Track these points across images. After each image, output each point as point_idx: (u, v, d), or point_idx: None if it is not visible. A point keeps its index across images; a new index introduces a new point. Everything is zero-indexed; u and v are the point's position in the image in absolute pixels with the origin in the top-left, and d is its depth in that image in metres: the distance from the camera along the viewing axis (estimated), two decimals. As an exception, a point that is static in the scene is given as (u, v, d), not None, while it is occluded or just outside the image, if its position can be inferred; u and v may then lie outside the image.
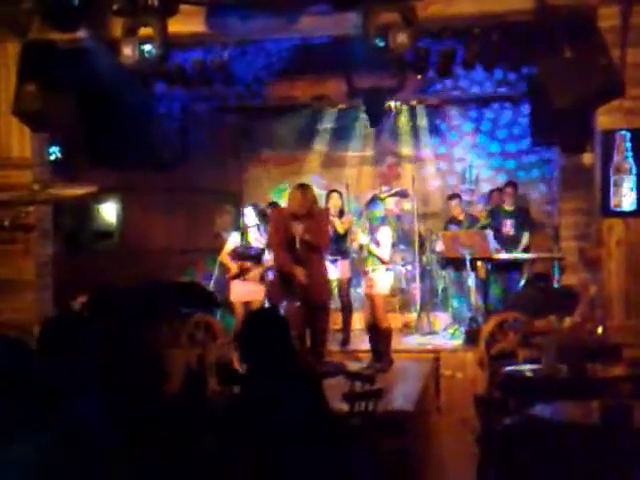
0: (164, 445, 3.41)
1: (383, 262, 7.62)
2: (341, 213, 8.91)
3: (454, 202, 9.87)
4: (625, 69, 6.62)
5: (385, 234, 7.70)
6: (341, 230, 8.80)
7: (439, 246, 9.74)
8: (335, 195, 8.97)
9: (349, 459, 3.72)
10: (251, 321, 3.79)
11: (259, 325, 3.67)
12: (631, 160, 6.74)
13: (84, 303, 6.74)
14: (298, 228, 6.90)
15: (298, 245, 6.96)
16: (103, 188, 8.31)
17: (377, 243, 7.62)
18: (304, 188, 7.23)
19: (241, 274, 8.31)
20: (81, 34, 6.91)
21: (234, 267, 8.36)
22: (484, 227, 9.40)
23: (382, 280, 7.61)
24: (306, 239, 6.91)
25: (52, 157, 8.46)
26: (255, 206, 8.83)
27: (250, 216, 8.55)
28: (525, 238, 9.48)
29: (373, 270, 7.57)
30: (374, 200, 8.14)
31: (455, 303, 9.78)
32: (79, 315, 5.44)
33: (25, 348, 2.82)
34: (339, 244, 8.86)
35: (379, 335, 7.64)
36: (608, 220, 6.85)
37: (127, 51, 6.53)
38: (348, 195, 9.41)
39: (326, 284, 7.46)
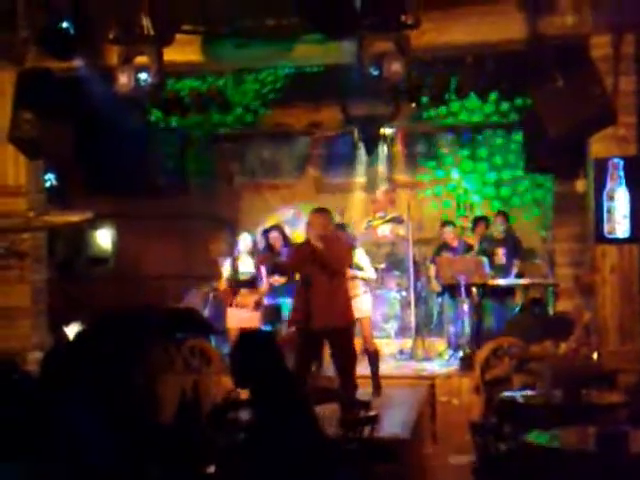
0: (160, 472, 3.40)
1: (368, 281, 7.75)
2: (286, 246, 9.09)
3: (448, 229, 9.90)
4: (617, 97, 6.69)
5: (362, 255, 7.90)
6: None
7: (432, 272, 9.78)
8: (274, 232, 9.22)
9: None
10: (238, 345, 3.79)
11: (246, 349, 3.67)
12: (624, 187, 6.78)
13: (81, 331, 6.72)
14: (320, 248, 6.77)
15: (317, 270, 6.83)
16: (98, 215, 8.34)
17: (357, 267, 7.69)
18: (321, 212, 7.06)
19: (238, 302, 8.32)
20: (77, 62, 6.96)
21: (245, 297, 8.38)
22: (480, 253, 9.44)
23: (365, 302, 7.76)
24: (325, 259, 6.76)
25: (47, 184, 8.49)
26: (250, 233, 8.86)
27: (244, 242, 8.56)
28: (516, 266, 9.51)
29: (356, 295, 7.61)
30: (343, 225, 8.30)
31: (450, 329, 9.77)
32: (77, 345, 5.43)
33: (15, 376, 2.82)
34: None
35: (369, 359, 7.66)
36: (602, 247, 6.89)
37: (123, 79, 6.57)
38: (343, 221, 9.42)
39: (347, 308, 7.11)
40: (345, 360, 6.92)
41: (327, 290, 6.78)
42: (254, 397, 3.53)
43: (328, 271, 6.80)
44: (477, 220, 10.36)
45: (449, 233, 9.83)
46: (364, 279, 7.79)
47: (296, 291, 7.16)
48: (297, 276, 7.36)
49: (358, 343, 7.99)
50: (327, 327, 6.72)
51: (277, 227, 9.66)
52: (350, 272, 7.59)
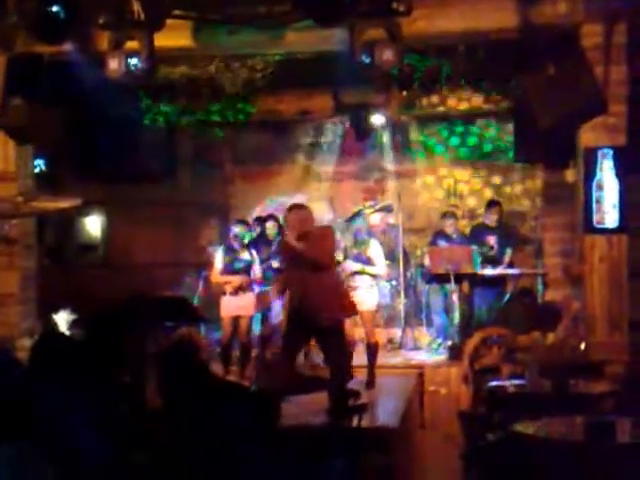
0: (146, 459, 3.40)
1: (377, 277, 7.64)
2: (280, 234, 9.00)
3: (449, 221, 9.77)
4: (608, 87, 6.69)
5: (376, 248, 7.69)
6: None
7: (427, 261, 9.74)
8: (270, 222, 9.12)
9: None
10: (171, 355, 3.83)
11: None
12: (613, 177, 6.79)
13: (74, 321, 6.71)
14: (300, 247, 6.64)
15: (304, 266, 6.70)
16: (88, 201, 8.30)
17: (368, 260, 7.58)
18: (298, 209, 6.86)
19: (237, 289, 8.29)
20: (67, 47, 6.91)
21: (235, 280, 8.30)
22: (472, 242, 9.43)
23: (371, 296, 7.62)
24: (307, 257, 6.63)
25: (37, 170, 8.44)
26: (240, 222, 8.79)
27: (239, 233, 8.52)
28: (508, 255, 9.50)
29: (360, 288, 7.53)
30: (357, 215, 8.09)
31: (439, 319, 9.78)
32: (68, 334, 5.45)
33: (10, 361, 2.81)
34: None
35: (368, 350, 7.61)
36: (591, 237, 6.90)
37: (113, 64, 6.54)
38: (333, 209, 9.41)
39: (339, 301, 6.82)
40: (337, 355, 6.86)
41: (318, 287, 6.66)
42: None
43: (316, 268, 6.67)
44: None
45: (450, 225, 9.74)
46: (371, 274, 7.61)
47: (291, 292, 7.01)
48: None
49: (358, 333, 7.99)
50: (321, 323, 6.61)
51: (273, 217, 9.61)
52: (358, 266, 7.54)
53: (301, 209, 6.81)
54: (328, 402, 5.59)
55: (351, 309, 6.91)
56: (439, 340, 9.41)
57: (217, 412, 3.47)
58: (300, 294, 6.56)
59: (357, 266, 7.55)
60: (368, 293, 7.58)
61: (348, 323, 7.65)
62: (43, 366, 3.43)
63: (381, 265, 7.66)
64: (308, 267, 6.57)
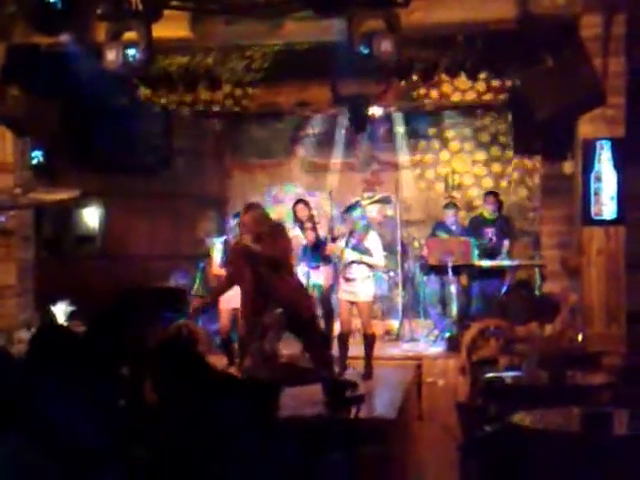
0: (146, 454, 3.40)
1: (374, 267, 7.65)
2: (311, 220, 8.87)
3: (451, 211, 9.79)
4: (607, 78, 6.68)
5: (375, 239, 7.69)
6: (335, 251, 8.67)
7: (425, 252, 9.74)
8: (301, 206, 8.95)
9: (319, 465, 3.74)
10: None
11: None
12: (612, 169, 6.79)
13: (71, 313, 6.72)
14: (257, 248, 6.68)
15: (261, 268, 6.75)
16: (85, 193, 8.28)
17: (366, 251, 7.58)
18: (248, 210, 6.94)
19: None
20: (65, 38, 6.89)
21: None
22: (470, 233, 9.44)
23: (367, 287, 7.62)
24: (258, 252, 6.67)
25: (34, 161, 8.42)
26: (239, 215, 8.77)
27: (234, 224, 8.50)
28: (506, 246, 9.51)
29: (356, 279, 7.54)
30: (354, 206, 8.07)
31: (435, 310, 9.79)
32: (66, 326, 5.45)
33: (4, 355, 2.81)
34: (322, 251, 8.84)
35: (365, 341, 7.63)
36: (589, 229, 6.90)
37: (111, 55, 6.51)
38: (331, 202, 9.38)
39: (302, 298, 7.08)
40: (315, 347, 6.97)
41: (284, 283, 6.76)
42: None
43: (277, 265, 6.73)
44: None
45: (451, 216, 9.75)
46: (369, 265, 7.60)
47: (244, 293, 7.05)
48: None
49: (354, 324, 8.00)
50: (290, 320, 6.72)
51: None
52: (356, 255, 7.54)
53: (255, 210, 6.88)
54: (323, 393, 5.59)
55: (310, 307, 7.13)
56: (435, 332, 9.42)
57: (214, 405, 3.47)
58: (261, 291, 6.64)
59: (355, 255, 7.55)
60: (364, 284, 7.59)
61: (345, 313, 7.68)
62: (41, 359, 3.42)
63: (379, 256, 7.67)
64: (267, 267, 6.63)
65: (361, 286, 7.56)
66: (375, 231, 7.87)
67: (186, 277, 9.99)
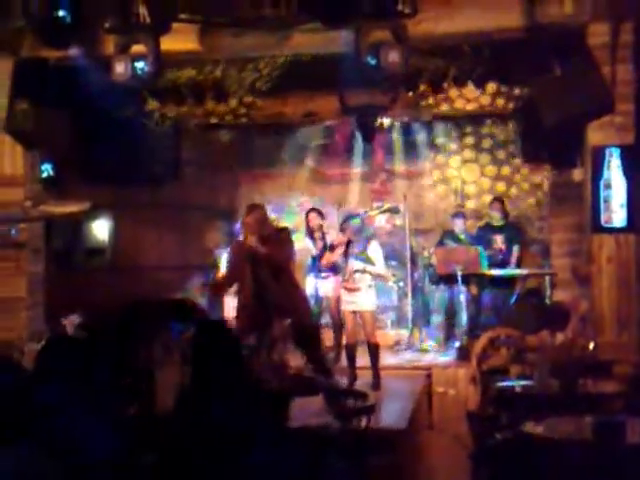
0: (155, 462, 3.40)
1: (380, 277, 7.64)
2: (320, 229, 8.86)
3: (460, 220, 9.79)
4: (615, 86, 6.67)
5: (376, 249, 7.69)
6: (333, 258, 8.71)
7: (434, 261, 9.73)
8: (314, 215, 8.94)
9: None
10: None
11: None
12: (621, 176, 6.77)
13: (79, 324, 6.72)
14: (262, 250, 6.67)
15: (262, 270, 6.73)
16: (95, 205, 8.31)
17: (368, 260, 7.58)
18: (251, 210, 6.94)
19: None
20: (73, 52, 6.93)
21: None
22: (479, 241, 9.43)
23: (369, 297, 7.62)
24: (262, 254, 6.65)
25: (44, 174, 8.46)
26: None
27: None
28: (515, 253, 9.48)
29: (359, 289, 7.54)
30: (353, 216, 8.09)
31: (447, 320, 9.77)
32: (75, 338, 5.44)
33: (14, 367, 2.82)
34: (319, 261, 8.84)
35: (370, 351, 7.62)
36: (599, 236, 6.88)
37: (119, 68, 6.55)
38: (339, 213, 9.40)
39: (302, 306, 7.09)
40: (316, 356, 6.95)
41: (282, 287, 6.73)
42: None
43: (277, 269, 6.71)
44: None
45: (460, 225, 9.75)
46: (372, 274, 7.60)
47: (240, 297, 7.02)
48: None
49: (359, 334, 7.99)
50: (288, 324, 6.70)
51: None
52: (358, 264, 7.54)
53: (259, 210, 6.86)
54: (325, 404, 5.59)
55: (307, 313, 7.13)
56: (448, 342, 9.39)
57: (233, 410, 3.46)
58: (260, 296, 6.62)
59: (358, 265, 7.55)
60: (367, 294, 7.59)
61: (350, 324, 7.66)
62: (49, 369, 3.43)
63: (380, 265, 7.66)
64: (268, 270, 6.61)
65: (364, 296, 7.56)
66: (377, 241, 7.87)
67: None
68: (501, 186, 11.04)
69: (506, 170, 11.05)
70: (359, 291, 7.56)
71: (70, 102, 7.53)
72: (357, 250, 7.61)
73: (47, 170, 8.59)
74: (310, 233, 8.85)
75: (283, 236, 6.95)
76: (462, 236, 9.69)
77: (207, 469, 3.31)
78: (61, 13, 6.46)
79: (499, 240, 9.49)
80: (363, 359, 7.76)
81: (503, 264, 9.35)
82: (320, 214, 8.94)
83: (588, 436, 4.54)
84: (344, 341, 8.30)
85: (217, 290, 7.77)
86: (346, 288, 7.64)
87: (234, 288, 7.79)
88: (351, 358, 7.63)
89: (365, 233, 7.80)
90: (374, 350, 7.63)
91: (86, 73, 7.13)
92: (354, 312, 7.62)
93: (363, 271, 7.55)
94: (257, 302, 6.76)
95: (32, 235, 7.76)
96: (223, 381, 3.54)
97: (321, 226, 8.87)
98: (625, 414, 4.93)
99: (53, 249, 9.09)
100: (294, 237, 7.73)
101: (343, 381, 7.48)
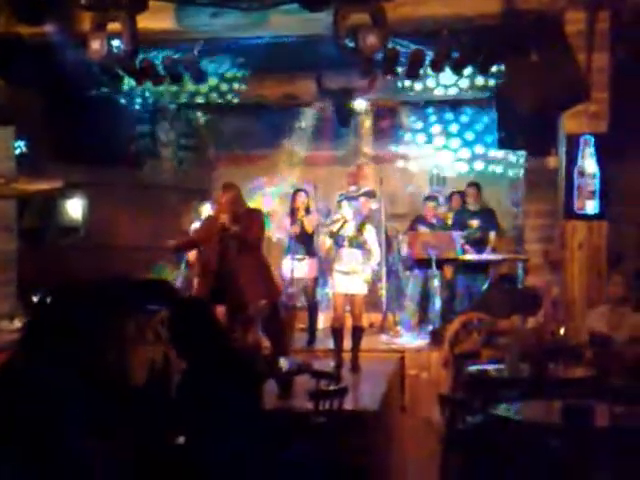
0: (129, 440, 3.40)
1: (371, 260, 7.65)
2: (307, 212, 8.89)
3: (431, 204, 9.85)
4: (591, 74, 6.72)
5: (371, 232, 7.69)
6: (309, 229, 8.78)
7: (404, 248, 9.77)
8: (301, 194, 8.95)
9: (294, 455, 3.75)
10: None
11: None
12: (595, 164, 6.84)
13: (42, 299, 6.67)
14: (234, 228, 6.71)
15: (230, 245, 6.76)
16: (69, 183, 8.25)
17: (363, 244, 7.55)
18: (226, 190, 6.99)
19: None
20: (48, 28, 6.86)
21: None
22: (455, 226, 9.49)
23: (364, 279, 7.61)
24: (233, 232, 6.70)
25: (17, 151, 8.38)
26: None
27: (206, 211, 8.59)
28: (492, 238, 9.55)
29: (353, 271, 7.53)
30: (350, 199, 8.08)
31: (420, 303, 9.82)
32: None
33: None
34: (307, 243, 8.86)
35: (354, 334, 7.63)
36: (571, 223, 6.95)
37: (95, 46, 6.50)
38: (316, 195, 9.40)
39: (266, 282, 7.07)
40: (275, 332, 6.97)
41: (249, 266, 6.76)
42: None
43: (246, 247, 6.75)
44: (452, 194, 10.37)
45: (430, 208, 9.80)
46: (366, 257, 7.59)
47: (203, 264, 7.07)
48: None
49: (327, 319, 8.01)
50: (254, 301, 6.72)
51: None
52: (353, 249, 7.54)
53: (233, 189, 6.92)
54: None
55: (274, 293, 7.08)
56: (421, 325, 9.46)
57: (218, 388, 3.47)
58: (222, 271, 6.65)
59: (352, 249, 7.53)
60: (361, 277, 7.57)
61: (340, 307, 7.66)
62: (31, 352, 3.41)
63: (375, 248, 7.67)
64: (235, 247, 6.66)
65: (358, 279, 7.55)
66: (369, 224, 7.86)
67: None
68: (477, 172, 11.08)
69: (481, 156, 11.09)
70: (355, 274, 7.54)
71: (45, 79, 7.45)
72: (351, 232, 7.59)
73: (20, 147, 8.51)
74: (292, 212, 8.87)
75: (254, 216, 7.00)
76: (434, 221, 9.73)
77: (185, 447, 3.32)
78: (36, -11, 6.39)
79: (475, 224, 9.54)
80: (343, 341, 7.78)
81: (480, 246, 9.40)
82: (307, 194, 8.97)
83: (558, 420, 4.60)
84: (325, 324, 8.33)
85: (178, 246, 7.80)
86: (341, 271, 7.61)
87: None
88: (338, 341, 7.62)
89: (360, 216, 7.81)
90: (359, 333, 7.64)
91: (61, 50, 7.05)
92: (346, 295, 7.60)
93: (357, 254, 7.53)
94: (218, 276, 6.81)
95: (4, 213, 7.70)
96: (207, 358, 3.55)
97: (306, 206, 8.87)
98: (595, 398, 4.99)
99: (26, 227, 9.03)
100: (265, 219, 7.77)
101: (317, 364, 7.50)
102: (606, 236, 6.91)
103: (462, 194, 10.04)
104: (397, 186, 11.32)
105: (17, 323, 6.98)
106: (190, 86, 9.83)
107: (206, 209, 8.71)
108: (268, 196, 11.12)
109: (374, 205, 10.39)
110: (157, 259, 10.17)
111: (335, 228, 7.61)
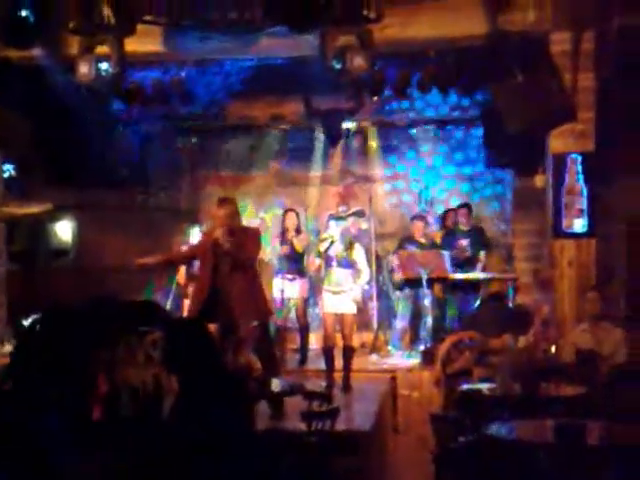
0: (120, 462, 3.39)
1: (360, 280, 7.64)
2: (298, 232, 8.90)
3: (419, 223, 9.86)
4: (576, 93, 6.78)
5: (360, 252, 7.69)
6: (299, 249, 8.79)
7: (395, 267, 9.77)
8: (292, 214, 8.97)
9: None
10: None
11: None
12: (582, 183, 6.89)
13: (34, 322, 6.65)
14: (227, 245, 6.67)
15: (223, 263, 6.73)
16: (58, 206, 8.24)
17: (352, 264, 7.57)
18: (222, 203, 6.88)
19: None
20: (37, 52, 6.88)
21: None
22: (444, 246, 9.51)
23: (353, 299, 7.61)
24: (225, 249, 6.65)
25: (6, 175, 8.37)
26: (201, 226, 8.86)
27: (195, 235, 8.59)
28: (482, 257, 9.58)
29: (342, 291, 7.54)
30: (339, 218, 8.09)
31: (411, 323, 9.81)
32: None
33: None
34: (297, 263, 8.86)
35: (345, 354, 7.61)
36: (560, 241, 6.99)
37: (84, 69, 6.52)
38: (306, 215, 9.42)
39: (257, 302, 6.92)
40: (267, 353, 6.91)
41: (241, 285, 6.70)
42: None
43: (239, 265, 6.70)
44: (447, 212, 10.36)
45: (419, 228, 9.81)
46: (356, 277, 7.59)
47: (199, 281, 7.03)
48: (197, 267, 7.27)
49: (319, 339, 7.99)
50: (244, 321, 6.67)
51: None
52: (341, 269, 7.55)
53: (229, 204, 6.85)
54: (301, 406, 5.59)
55: (265, 313, 6.99)
56: (411, 345, 9.45)
57: (214, 411, 3.46)
58: (216, 288, 6.62)
59: (341, 269, 7.55)
60: (350, 296, 7.57)
61: (330, 327, 7.64)
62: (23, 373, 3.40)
63: (364, 268, 7.68)
64: (228, 264, 6.61)
65: (347, 298, 7.55)
66: (358, 244, 7.87)
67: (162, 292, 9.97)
68: (465, 191, 11.13)
69: (469, 176, 11.14)
70: (344, 294, 7.55)
71: (33, 102, 7.46)
72: (339, 252, 7.59)
73: (9, 170, 8.50)
74: (283, 233, 8.88)
75: (250, 234, 6.93)
76: (422, 240, 9.75)
77: (177, 470, 3.31)
78: (24, 13, 6.42)
79: (465, 243, 9.56)
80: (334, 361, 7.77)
81: (469, 267, 9.43)
82: (297, 215, 8.97)
83: (550, 439, 4.60)
84: (317, 344, 8.29)
85: (170, 260, 7.75)
86: (331, 291, 7.61)
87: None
88: (329, 361, 7.61)
89: (349, 236, 7.81)
90: (349, 353, 7.63)
91: (50, 74, 7.07)
92: (335, 314, 7.59)
93: (347, 274, 7.54)
94: (211, 293, 6.75)
95: (-6, 236, 7.68)
96: (202, 380, 3.54)
97: (297, 226, 8.88)
98: (586, 416, 5.00)
99: (16, 250, 9.00)
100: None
101: (309, 384, 7.48)
102: (595, 254, 6.94)
103: (456, 212, 10.04)
104: (386, 206, 11.35)
105: (7, 347, 6.94)
106: (179, 108, 9.87)
107: (195, 232, 8.70)
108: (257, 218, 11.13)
109: (364, 225, 10.42)
110: (146, 281, 10.16)
111: (323, 248, 7.62)
